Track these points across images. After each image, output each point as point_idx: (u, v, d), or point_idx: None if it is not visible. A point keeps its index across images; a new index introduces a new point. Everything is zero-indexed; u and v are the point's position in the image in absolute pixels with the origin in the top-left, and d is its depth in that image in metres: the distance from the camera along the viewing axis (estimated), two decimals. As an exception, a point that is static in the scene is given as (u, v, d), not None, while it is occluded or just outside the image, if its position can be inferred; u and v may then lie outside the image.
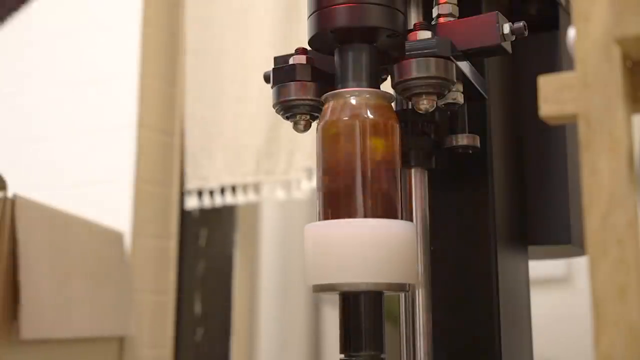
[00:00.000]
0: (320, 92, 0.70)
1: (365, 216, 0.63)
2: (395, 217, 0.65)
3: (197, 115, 1.90)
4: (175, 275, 1.92)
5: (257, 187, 1.85)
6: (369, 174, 0.64)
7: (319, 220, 0.65)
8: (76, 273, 1.46)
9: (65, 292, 1.40)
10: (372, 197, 0.64)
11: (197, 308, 1.98)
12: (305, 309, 2.36)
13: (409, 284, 0.65)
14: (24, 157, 1.95)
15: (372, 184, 0.64)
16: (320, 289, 0.64)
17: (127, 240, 1.76)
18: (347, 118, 0.66)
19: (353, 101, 0.66)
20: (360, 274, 0.61)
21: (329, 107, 0.67)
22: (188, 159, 1.90)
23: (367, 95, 0.67)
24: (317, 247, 0.64)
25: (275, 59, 0.78)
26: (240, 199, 1.87)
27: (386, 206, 0.64)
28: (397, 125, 0.67)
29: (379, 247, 0.62)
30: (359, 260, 0.61)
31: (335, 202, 0.65)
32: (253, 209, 2.18)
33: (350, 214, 0.64)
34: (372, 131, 0.65)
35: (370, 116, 0.66)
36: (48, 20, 2.03)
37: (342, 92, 0.67)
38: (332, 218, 0.64)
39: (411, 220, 0.72)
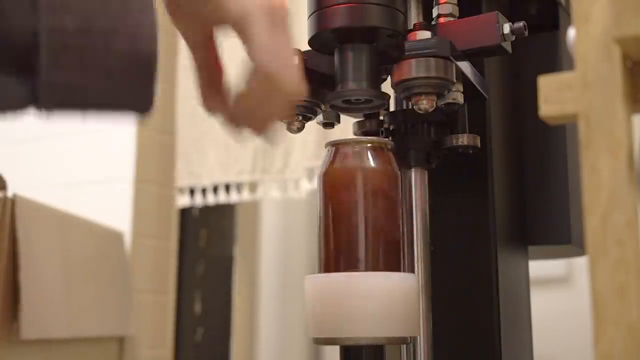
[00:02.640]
0: (315, 93, 0.70)
1: (366, 269, 0.63)
2: (397, 269, 0.64)
3: (189, 112, 1.89)
4: (175, 275, 1.93)
5: (252, 186, 1.84)
6: (370, 225, 0.63)
7: (320, 271, 0.65)
8: (76, 273, 1.46)
9: (65, 292, 1.40)
10: (374, 250, 0.63)
11: (197, 308, 1.98)
12: (305, 309, 2.36)
13: (410, 337, 0.65)
14: (24, 157, 1.95)
15: (374, 235, 0.63)
16: (322, 342, 0.63)
17: (127, 240, 1.76)
18: (348, 167, 0.65)
19: (354, 149, 0.65)
20: (361, 328, 0.61)
21: (330, 154, 0.66)
22: (179, 156, 1.89)
23: (369, 144, 0.66)
24: (317, 300, 0.63)
25: (275, 59, 0.78)
26: (234, 197, 1.86)
27: (388, 258, 0.63)
28: (399, 173, 0.67)
29: (380, 302, 0.61)
30: (359, 314, 0.61)
31: (336, 253, 0.64)
32: (253, 208, 2.18)
33: (351, 266, 0.63)
34: (373, 181, 0.64)
35: (372, 165, 0.65)
36: (48, 20, 2.03)
37: (343, 140, 0.66)
38: (333, 270, 0.64)
39: (411, 221, 0.72)
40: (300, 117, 0.72)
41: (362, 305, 0.61)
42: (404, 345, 0.71)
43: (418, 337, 0.70)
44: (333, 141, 0.67)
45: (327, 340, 0.63)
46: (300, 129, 0.73)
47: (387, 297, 0.61)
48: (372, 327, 0.61)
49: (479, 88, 0.74)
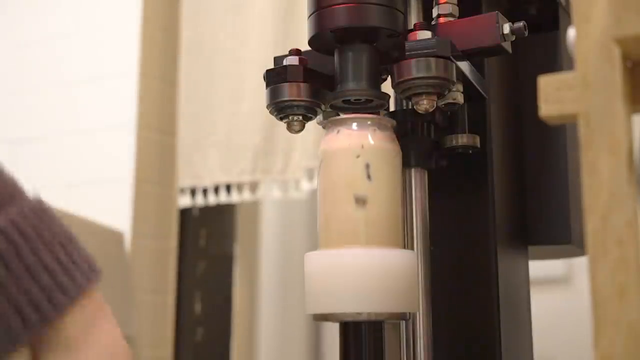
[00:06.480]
0: (315, 92, 0.70)
1: (367, 245, 0.63)
2: (398, 244, 0.64)
3: (190, 113, 1.90)
4: (175, 275, 1.92)
5: (253, 186, 1.85)
6: (370, 200, 0.63)
7: (320, 247, 0.64)
8: (76, 273, 1.45)
9: (65, 292, 1.39)
10: (374, 226, 0.63)
11: (197, 308, 1.98)
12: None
13: (410, 313, 0.65)
14: (24, 157, 1.95)
15: (374, 211, 0.63)
16: (321, 317, 0.63)
17: (127, 240, 1.76)
18: (348, 144, 0.65)
19: (354, 127, 0.66)
20: (361, 304, 0.61)
21: (330, 132, 0.67)
22: (180, 157, 1.90)
23: (369, 122, 0.66)
24: (317, 276, 0.63)
25: (275, 59, 0.78)
26: (235, 198, 1.87)
27: (388, 234, 0.63)
28: (400, 151, 0.67)
29: (380, 277, 0.61)
30: (359, 290, 0.61)
31: (336, 229, 0.64)
32: (253, 208, 2.18)
33: (351, 242, 0.63)
34: (374, 158, 0.64)
35: (372, 142, 0.65)
36: (48, 20, 2.03)
37: (343, 118, 0.67)
38: (334, 246, 0.63)
39: (411, 220, 0.72)
40: (301, 117, 0.72)
41: (361, 281, 0.61)
42: (404, 336, 0.71)
43: (418, 337, 0.70)
44: (332, 119, 0.67)
45: (326, 316, 0.63)
46: (301, 129, 0.73)
47: (386, 273, 0.61)
48: (372, 303, 0.61)
49: (479, 88, 0.74)
